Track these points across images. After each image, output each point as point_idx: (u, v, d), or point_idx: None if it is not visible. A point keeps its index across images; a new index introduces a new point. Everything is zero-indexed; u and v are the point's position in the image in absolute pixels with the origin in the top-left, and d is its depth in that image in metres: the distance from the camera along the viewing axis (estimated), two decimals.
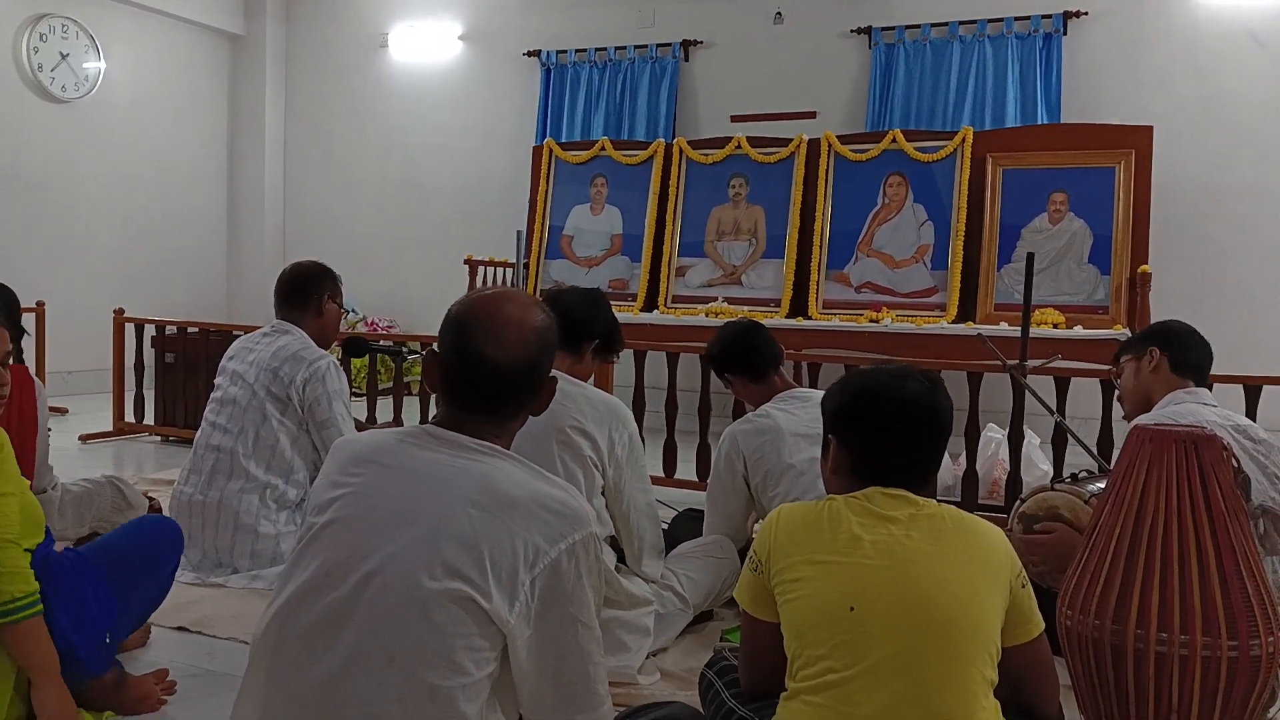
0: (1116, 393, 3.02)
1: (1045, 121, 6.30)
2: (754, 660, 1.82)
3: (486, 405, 1.55)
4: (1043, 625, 1.72)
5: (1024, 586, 1.67)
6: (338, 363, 3.35)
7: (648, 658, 2.51)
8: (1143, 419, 2.55)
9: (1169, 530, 2.00)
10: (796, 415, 2.78)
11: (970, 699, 1.52)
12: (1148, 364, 2.82)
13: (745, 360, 2.92)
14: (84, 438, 5.56)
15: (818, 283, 6.14)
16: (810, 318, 6.01)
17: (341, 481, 1.53)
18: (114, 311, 5.74)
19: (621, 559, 2.59)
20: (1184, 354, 2.83)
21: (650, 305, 6.52)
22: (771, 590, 1.70)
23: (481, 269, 6.80)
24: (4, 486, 1.91)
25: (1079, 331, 5.32)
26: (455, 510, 1.43)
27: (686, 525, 3.12)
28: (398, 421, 4.83)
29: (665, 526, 2.85)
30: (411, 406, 5.28)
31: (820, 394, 2.89)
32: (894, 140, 6.15)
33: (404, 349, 3.90)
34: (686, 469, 4.55)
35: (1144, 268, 5.38)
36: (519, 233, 4.63)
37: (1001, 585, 1.62)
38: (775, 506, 2.67)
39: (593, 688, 1.51)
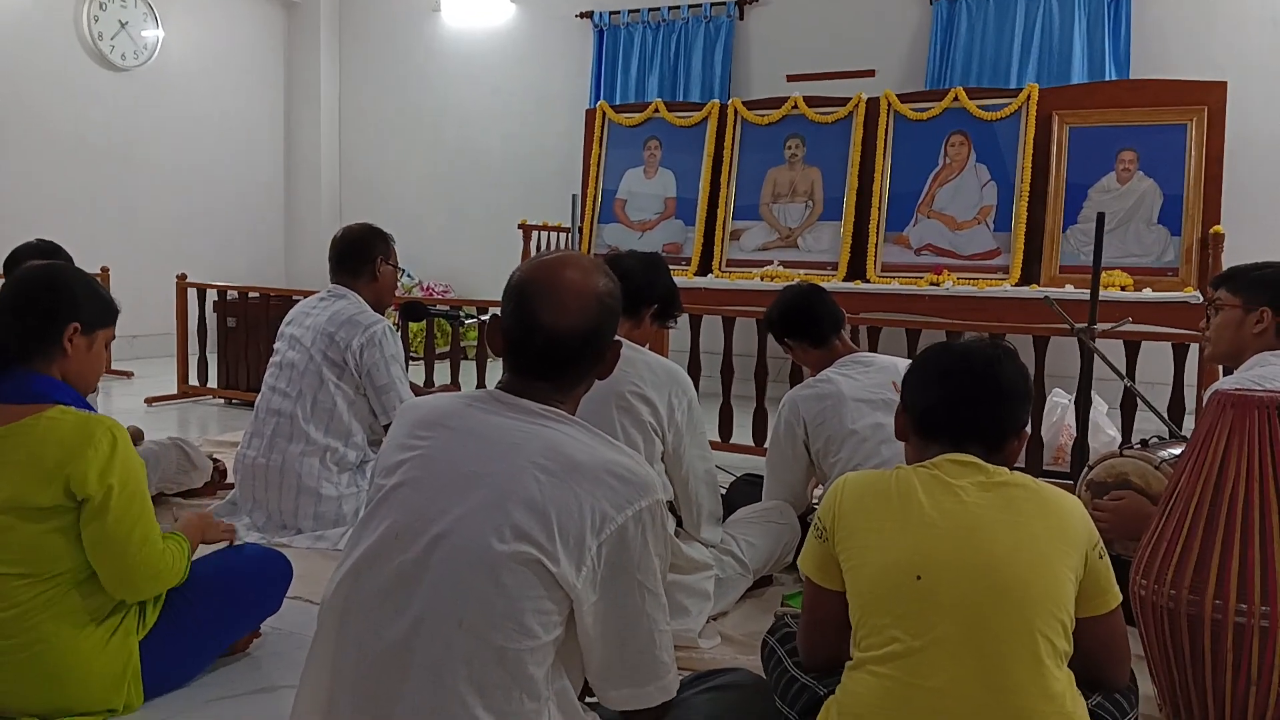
0: (1203, 324, 2.79)
1: (1113, 78, 6.10)
2: (816, 629, 1.80)
3: (548, 372, 1.53)
4: (1119, 597, 1.67)
5: (1101, 558, 1.62)
6: (392, 327, 3.37)
7: (708, 622, 2.50)
8: (1224, 383, 2.45)
9: (1249, 498, 1.94)
10: (859, 380, 2.74)
11: (1041, 670, 1.48)
12: (1254, 323, 2.57)
13: (805, 326, 2.87)
14: (149, 400, 5.68)
15: (876, 245, 6.04)
16: (868, 281, 5.92)
17: (409, 444, 1.52)
18: (177, 277, 5.84)
19: (679, 524, 2.58)
20: None
21: (704, 269, 6.46)
22: (837, 558, 1.67)
23: (536, 234, 6.79)
24: (141, 486, 1.97)
25: (1148, 294, 5.17)
26: (523, 474, 1.42)
27: (744, 491, 3.09)
28: (455, 386, 4.86)
29: (723, 492, 2.83)
30: (468, 371, 5.30)
31: (885, 358, 2.85)
32: (956, 98, 6.00)
33: (461, 313, 3.91)
34: (743, 434, 4.53)
35: (1216, 228, 5.21)
36: (574, 196, 4.60)
37: (1077, 555, 1.57)
38: (837, 473, 2.66)
39: (659, 655, 1.50)
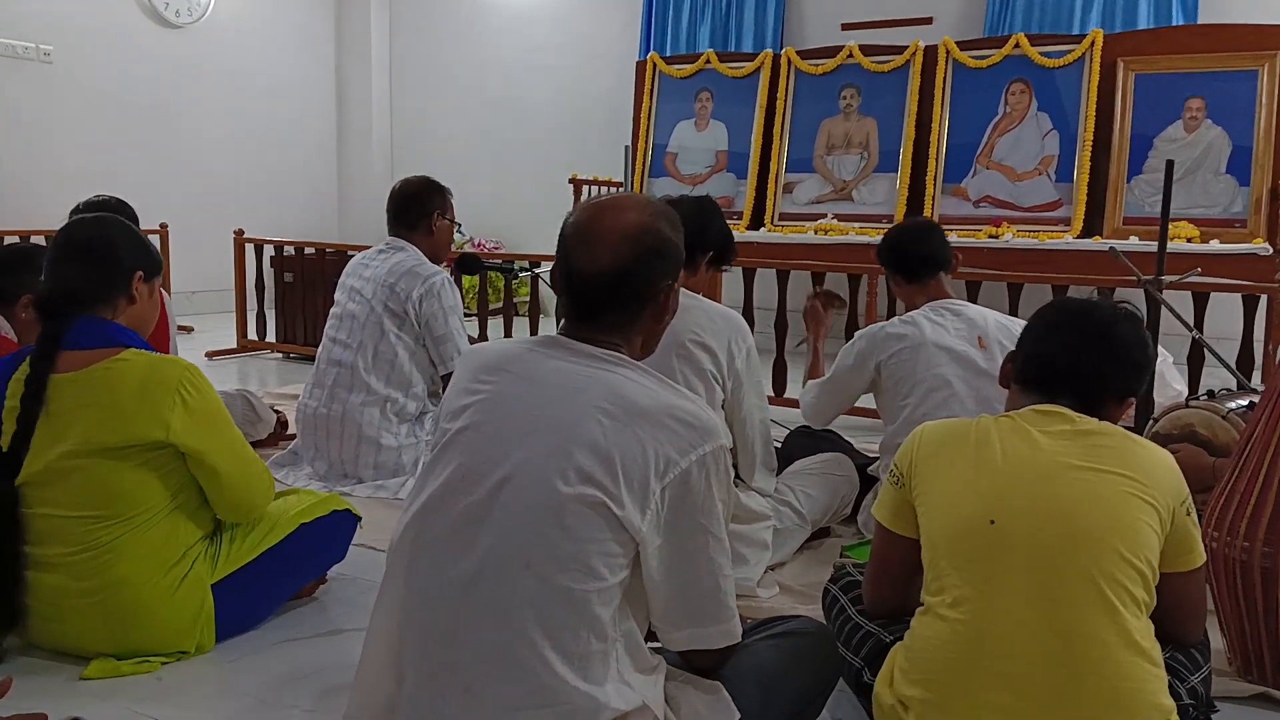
0: (1278, 276, 2.74)
1: (1181, 23, 5.90)
2: (885, 576, 1.79)
3: (586, 315, 1.52)
4: (1203, 557, 1.64)
5: (1189, 514, 1.59)
6: (451, 278, 3.38)
7: (766, 572, 2.50)
8: None
9: None
10: (944, 325, 2.68)
11: (1117, 618, 1.46)
12: None
13: (902, 260, 2.83)
14: (210, 354, 5.78)
15: (934, 197, 5.93)
16: None
17: (474, 389, 1.52)
18: (234, 232, 5.91)
19: (737, 474, 2.57)
20: None
21: (756, 223, 6.40)
22: (913, 504, 1.66)
23: (586, 188, 6.76)
24: (224, 412, 2.07)
25: (1215, 246, 5.04)
26: (586, 418, 1.42)
27: (800, 443, 3.07)
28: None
29: (777, 446, 2.81)
30: (521, 326, 5.32)
31: (975, 309, 2.80)
32: (1016, 45, 5.85)
33: (515, 267, 3.91)
34: (795, 389, 4.48)
35: None
36: (626, 148, 4.56)
37: (1162, 508, 1.53)
38: (903, 417, 2.63)
39: (723, 599, 1.50)
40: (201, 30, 7.70)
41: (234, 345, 5.95)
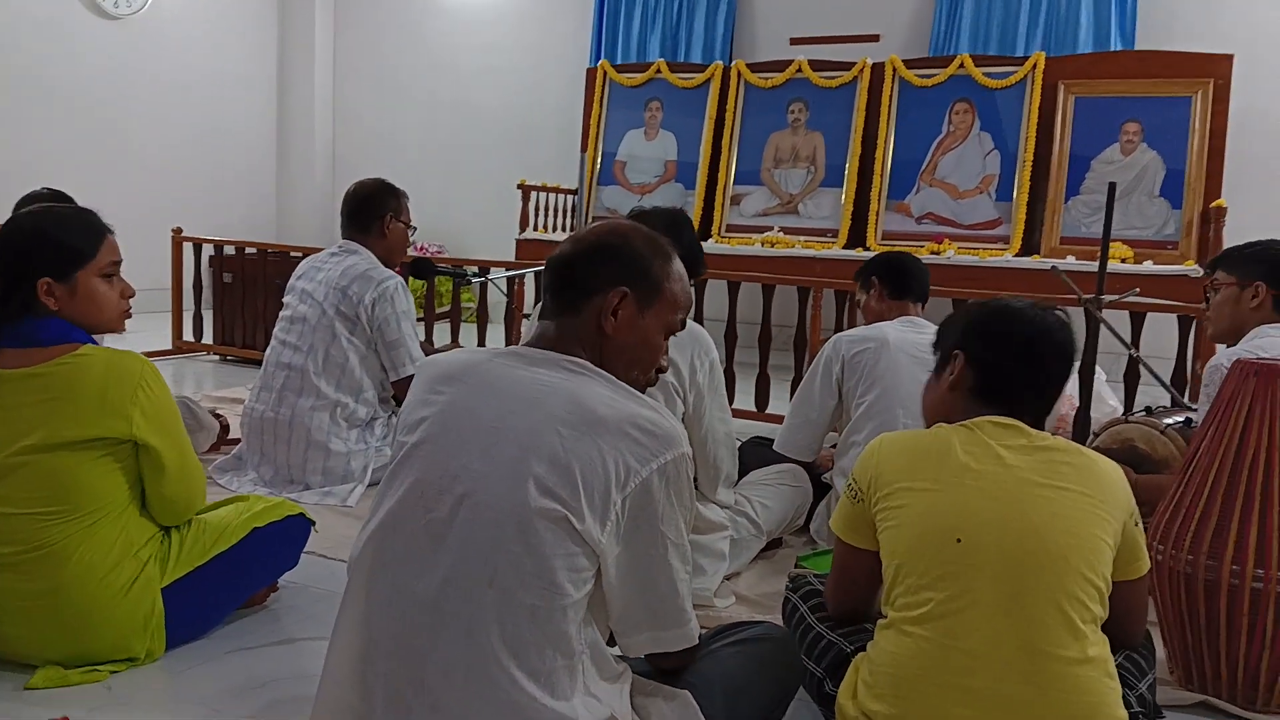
0: (1203, 306, 2.85)
1: (1119, 48, 6.08)
2: (845, 588, 1.81)
3: (549, 308, 1.55)
4: (1149, 564, 1.70)
5: (1137, 525, 1.64)
6: (404, 283, 3.35)
7: (723, 581, 2.52)
8: (1224, 354, 2.48)
9: (1270, 465, 1.96)
10: (909, 336, 2.76)
11: (1078, 635, 1.50)
12: (1250, 298, 2.64)
13: (900, 274, 2.96)
14: (143, 356, 5.62)
15: (877, 213, 6.03)
16: (869, 249, 5.91)
17: (430, 400, 1.51)
18: (172, 231, 5.77)
19: (696, 485, 2.58)
20: None
21: (704, 234, 6.44)
22: (872, 519, 1.67)
23: (535, 194, 6.74)
24: (176, 413, 2.05)
25: (1149, 267, 5.20)
26: (545, 429, 1.40)
27: (755, 453, 3.09)
28: (455, 346, 4.85)
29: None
30: (468, 333, 5.28)
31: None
32: (961, 65, 5.98)
33: (468, 273, 3.89)
34: (745, 400, 4.53)
35: (1218, 202, 5.22)
36: (583, 156, 4.56)
37: (1116, 523, 1.58)
38: (860, 411, 2.69)
39: (680, 603, 1.50)
40: (141, 22, 7.52)
41: (169, 346, 5.81)
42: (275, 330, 3.38)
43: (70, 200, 3.39)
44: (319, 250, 3.62)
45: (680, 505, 1.47)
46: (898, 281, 2.96)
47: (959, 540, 1.54)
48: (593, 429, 1.41)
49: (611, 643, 1.54)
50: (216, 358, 5.77)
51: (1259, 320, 2.64)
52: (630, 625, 1.49)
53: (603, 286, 1.52)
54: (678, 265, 1.59)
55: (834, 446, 2.96)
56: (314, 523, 2.38)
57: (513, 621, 1.37)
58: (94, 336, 2.02)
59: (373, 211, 3.37)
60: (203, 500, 2.14)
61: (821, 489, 2.91)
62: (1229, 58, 5.45)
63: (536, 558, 1.37)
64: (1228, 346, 2.72)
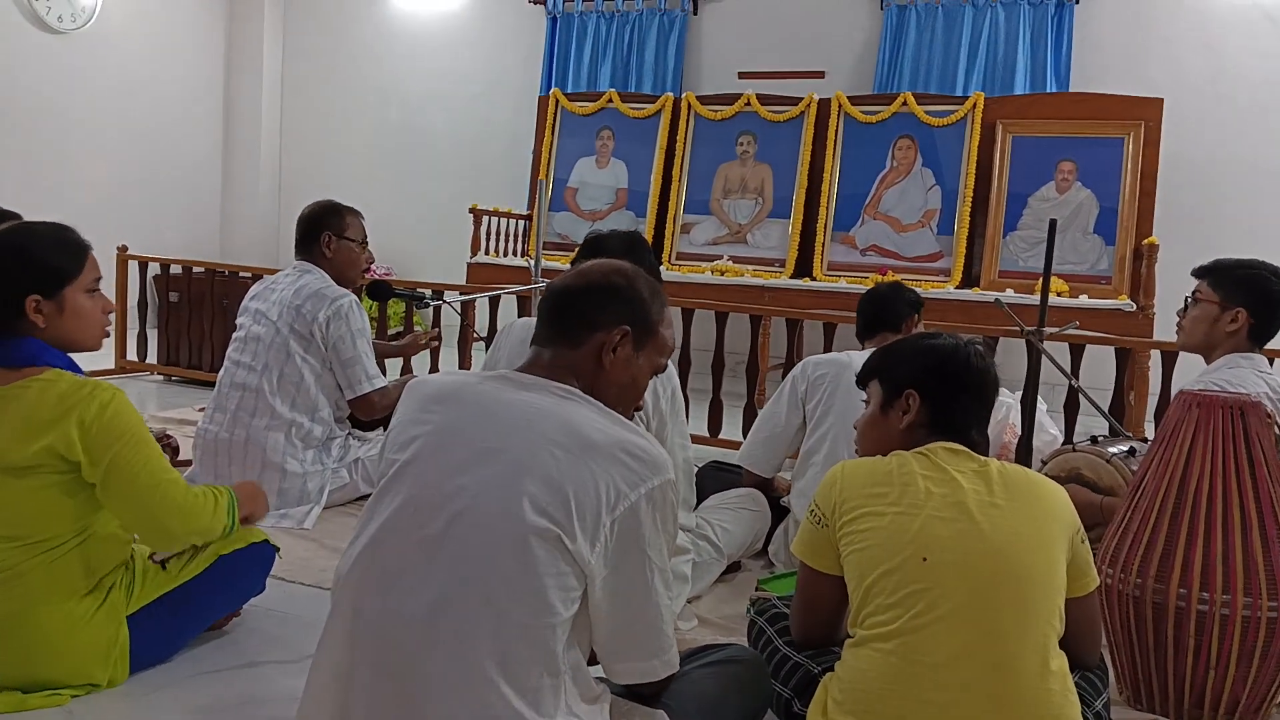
0: (1180, 311, 2.86)
1: (1053, 90, 6.31)
2: (811, 611, 1.85)
3: (547, 335, 1.59)
4: (1097, 580, 1.77)
5: (1083, 542, 1.72)
6: (359, 301, 3.36)
7: (685, 604, 2.55)
8: (1193, 383, 2.57)
9: (1213, 493, 2.05)
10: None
11: (1041, 650, 1.56)
12: (1229, 321, 2.65)
13: (859, 312, 3.07)
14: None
15: (823, 244, 6.15)
16: (815, 279, 6.03)
17: (422, 419, 1.53)
18: (117, 249, 5.67)
19: None
20: (1267, 327, 2.69)
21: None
22: (836, 543, 1.72)
23: (487, 219, 6.75)
24: (143, 433, 1.98)
25: (1084, 300, 5.37)
26: (539, 450, 1.44)
27: (713, 476, 3.14)
28: (406, 370, 4.83)
29: None
30: (421, 359, 5.25)
31: None
32: (904, 103, 6.14)
33: (425, 295, 3.89)
34: (698, 425, 4.58)
35: (1150, 239, 5.43)
36: (541, 182, 4.59)
37: (1065, 539, 1.66)
38: (817, 435, 2.75)
39: (663, 629, 1.54)
40: (85, 37, 7.39)
41: (111, 366, 5.69)
42: (229, 351, 3.36)
43: (17, 217, 3.34)
44: (266, 271, 3.61)
45: (665, 530, 1.51)
46: (860, 319, 3.07)
47: (925, 560, 1.60)
48: (585, 452, 1.44)
49: (591, 662, 1.57)
50: (161, 378, 5.67)
51: (1232, 346, 2.66)
52: (617, 654, 1.53)
53: (607, 324, 1.57)
54: (670, 312, 1.67)
55: (790, 474, 3.02)
56: (278, 549, 2.37)
57: (505, 638, 1.39)
58: (70, 357, 1.99)
59: (312, 232, 3.40)
60: (193, 524, 2.04)
61: (780, 513, 2.96)
62: (1159, 101, 5.68)
63: (530, 575, 1.40)
64: (1206, 361, 2.75)
